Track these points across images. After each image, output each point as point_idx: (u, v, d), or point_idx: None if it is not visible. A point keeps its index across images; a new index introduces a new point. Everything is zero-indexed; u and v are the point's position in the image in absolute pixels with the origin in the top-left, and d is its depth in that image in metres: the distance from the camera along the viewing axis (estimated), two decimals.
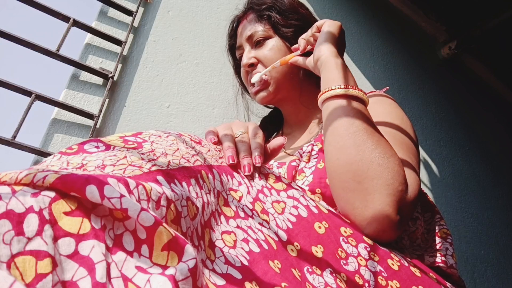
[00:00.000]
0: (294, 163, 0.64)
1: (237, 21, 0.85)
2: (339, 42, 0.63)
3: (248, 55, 0.76)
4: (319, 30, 0.66)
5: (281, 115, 0.89)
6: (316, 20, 0.80)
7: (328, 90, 0.55)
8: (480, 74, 2.23)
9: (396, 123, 0.61)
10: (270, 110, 0.97)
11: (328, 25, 0.64)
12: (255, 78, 0.74)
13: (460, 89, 2.06)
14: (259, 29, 0.76)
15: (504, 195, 1.88)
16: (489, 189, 1.83)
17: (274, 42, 0.75)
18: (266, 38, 0.76)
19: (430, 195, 1.41)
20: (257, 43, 0.77)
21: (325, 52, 0.61)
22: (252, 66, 0.76)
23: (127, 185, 0.25)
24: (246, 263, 0.32)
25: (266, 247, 0.35)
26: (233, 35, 0.86)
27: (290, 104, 0.80)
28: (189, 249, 0.24)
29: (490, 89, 2.27)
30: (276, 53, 0.74)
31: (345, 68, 0.59)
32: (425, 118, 1.76)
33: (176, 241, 0.24)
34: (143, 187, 0.26)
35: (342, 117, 0.52)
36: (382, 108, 0.64)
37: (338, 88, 0.54)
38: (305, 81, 0.77)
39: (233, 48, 0.87)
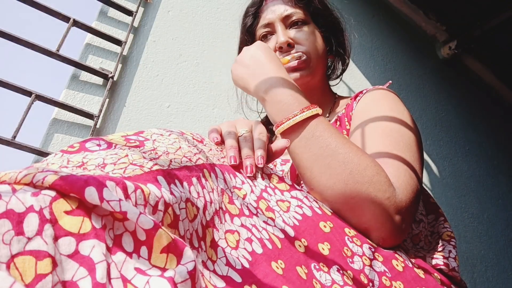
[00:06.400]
0: None
1: None
2: (256, 65, 0.56)
3: (286, 34, 0.71)
4: None
5: None
6: (341, 26, 0.83)
7: (275, 130, 0.53)
8: (480, 74, 2.23)
9: (396, 119, 0.58)
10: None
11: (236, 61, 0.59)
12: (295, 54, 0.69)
13: (460, 89, 2.06)
14: (298, 11, 0.73)
15: (504, 195, 1.88)
16: (489, 189, 1.83)
17: (313, 29, 0.74)
18: (304, 22, 0.73)
19: None
20: (294, 24, 0.73)
21: (253, 94, 0.57)
22: (289, 46, 0.71)
23: (125, 189, 0.25)
24: (247, 265, 0.32)
25: (270, 247, 0.35)
26: (254, 12, 0.80)
27: (310, 95, 0.74)
28: (188, 252, 0.24)
29: (490, 89, 2.26)
30: (315, 40, 0.72)
31: (272, 99, 0.53)
32: (425, 118, 1.76)
33: (175, 244, 0.24)
34: (142, 191, 0.26)
35: (297, 150, 0.50)
36: (381, 104, 0.62)
37: (279, 126, 0.51)
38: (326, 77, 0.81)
39: (251, 26, 0.81)
